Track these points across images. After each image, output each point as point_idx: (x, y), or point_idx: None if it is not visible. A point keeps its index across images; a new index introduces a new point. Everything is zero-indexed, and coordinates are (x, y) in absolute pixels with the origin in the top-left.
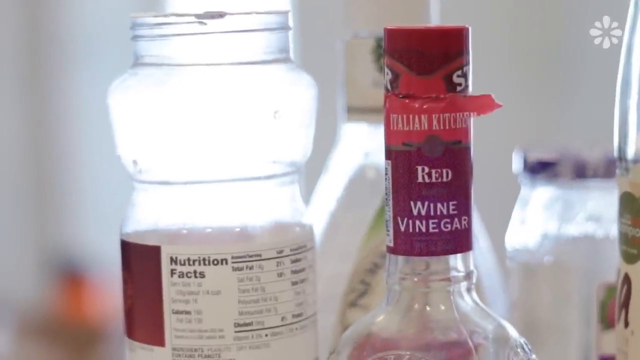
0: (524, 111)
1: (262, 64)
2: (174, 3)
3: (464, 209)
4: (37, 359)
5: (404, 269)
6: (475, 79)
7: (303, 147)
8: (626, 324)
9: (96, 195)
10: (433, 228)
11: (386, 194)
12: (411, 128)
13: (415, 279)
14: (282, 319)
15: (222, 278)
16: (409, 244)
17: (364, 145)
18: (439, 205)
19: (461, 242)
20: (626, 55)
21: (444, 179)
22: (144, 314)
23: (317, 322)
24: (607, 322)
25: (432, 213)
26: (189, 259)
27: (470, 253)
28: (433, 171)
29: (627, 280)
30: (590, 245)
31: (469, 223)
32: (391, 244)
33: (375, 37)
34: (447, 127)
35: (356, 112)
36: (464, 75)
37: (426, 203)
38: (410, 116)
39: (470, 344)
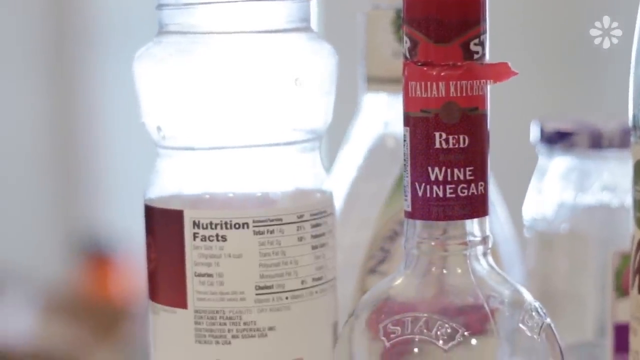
0: (542, 84)
1: (284, 32)
2: None
3: (481, 175)
4: (63, 337)
5: (421, 233)
6: (492, 51)
7: (323, 115)
8: None
9: (122, 175)
10: (450, 193)
11: (404, 160)
12: (429, 95)
13: (433, 243)
14: (302, 282)
15: (243, 242)
16: (426, 209)
17: (383, 115)
18: (455, 170)
19: (477, 207)
20: None
21: (461, 145)
22: (166, 277)
23: (336, 286)
24: (622, 290)
25: (449, 178)
26: (211, 223)
27: (487, 218)
28: (450, 137)
29: None
30: (606, 214)
31: (485, 189)
32: (409, 209)
33: (395, 8)
34: (464, 94)
35: (376, 82)
36: (481, 44)
37: (443, 168)
38: (428, 83)
39: (487, 308)
